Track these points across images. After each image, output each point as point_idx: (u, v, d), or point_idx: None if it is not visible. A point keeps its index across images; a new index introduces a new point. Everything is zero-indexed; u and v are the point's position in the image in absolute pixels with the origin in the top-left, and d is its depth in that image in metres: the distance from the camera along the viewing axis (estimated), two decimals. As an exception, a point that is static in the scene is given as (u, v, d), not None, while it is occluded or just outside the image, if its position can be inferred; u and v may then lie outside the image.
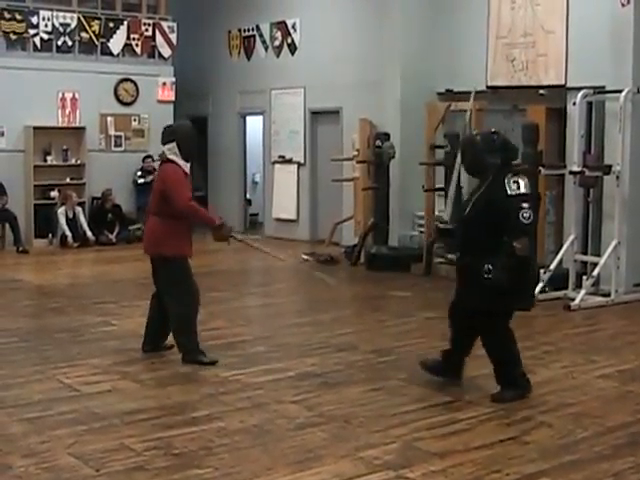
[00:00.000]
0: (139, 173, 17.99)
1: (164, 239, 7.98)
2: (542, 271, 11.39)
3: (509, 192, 6.68)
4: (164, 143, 8.17)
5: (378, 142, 14.22)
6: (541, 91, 12.79)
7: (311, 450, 5.86)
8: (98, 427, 6.33)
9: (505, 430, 6.31)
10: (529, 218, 6.63)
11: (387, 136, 14.23)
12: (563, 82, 12.63)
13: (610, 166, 11.35)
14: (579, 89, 11.98)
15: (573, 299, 11.01)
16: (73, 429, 6.27)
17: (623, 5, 11.35)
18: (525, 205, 6.64)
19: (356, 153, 15.28)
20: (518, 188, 6.68)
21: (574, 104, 11.95)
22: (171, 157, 8.00)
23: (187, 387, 7.36)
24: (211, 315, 9.78)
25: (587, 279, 11.32)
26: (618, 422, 6.51)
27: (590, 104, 12.11)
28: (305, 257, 15.22)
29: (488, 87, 13.69)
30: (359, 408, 6.81)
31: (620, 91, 11.37)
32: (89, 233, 17.01)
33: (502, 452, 5.88)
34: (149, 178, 17.64)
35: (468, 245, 6.99)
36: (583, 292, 11.07)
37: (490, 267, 6.63)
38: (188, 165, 8.08)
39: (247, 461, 5.67)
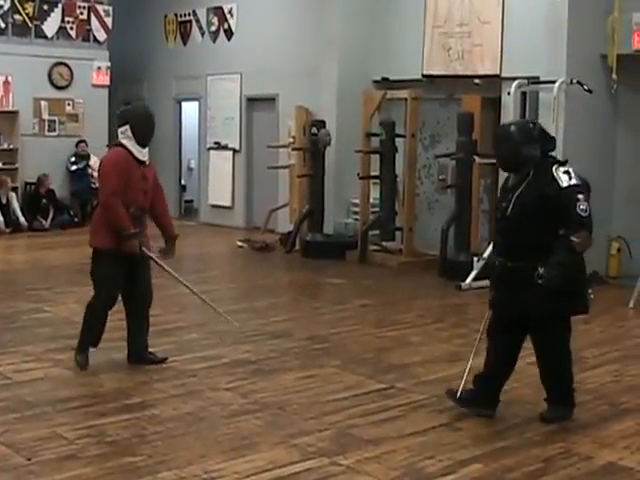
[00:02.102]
0: (73, 159, 17.80)
1: (96, 229, 7.54)
2: (475, 259, 11.48)
3: (563, 184, 6.02)
4: (118, 126, 7.58)
5: (314, 129, 14.24)
6: (476, 80, 12.89)
7: (245, 437, 5.86)
8: (30, 415, 6.27)
9: (437, 417, 6.36)
10: (586, 210, 5.98)
11: (323, 123, 14.24)
12: (498, 72, 12.75)
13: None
14: (514, 79, 12.12)
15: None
16: (4, 417, 6.19)
17: (558, -4, 11.47)
18: (580, 197, 5.99)
19: (292, 140, 15.26)
20: (570, 179, 6.04)
21: (508, 94, 12.08)
22: (124, 141, 7.39)
23: (120, 375, 7.31)
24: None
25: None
26: (549, 408, 6.59)
27: (524, 94, 12.25)
28: (240, 244, 15.20)
29: (424, 76, 13.76)
30: (293, 395, 6.82)
31: (554, 82, 11.51)
32: (22, 219, 16.79)
33: (435, 439, 5.93)
34: (82, 164, 17.49)
35: (513, 247, 6.21)
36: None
37: (542, 270, 5.97)
38: (145, 151, 7.44)
39: (181, 448, 5.65)
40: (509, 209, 6.24)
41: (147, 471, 5.28)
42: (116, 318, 7.70)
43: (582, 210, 5.97)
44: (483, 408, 6.40)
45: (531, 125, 6.41)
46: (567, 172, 6.07)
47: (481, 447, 5.80)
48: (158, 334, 8.57)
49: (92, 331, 7.49)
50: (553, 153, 6.35)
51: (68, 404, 6.52)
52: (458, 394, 6.42)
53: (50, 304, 10.12)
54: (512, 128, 6.34)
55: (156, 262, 7.64)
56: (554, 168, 6.10)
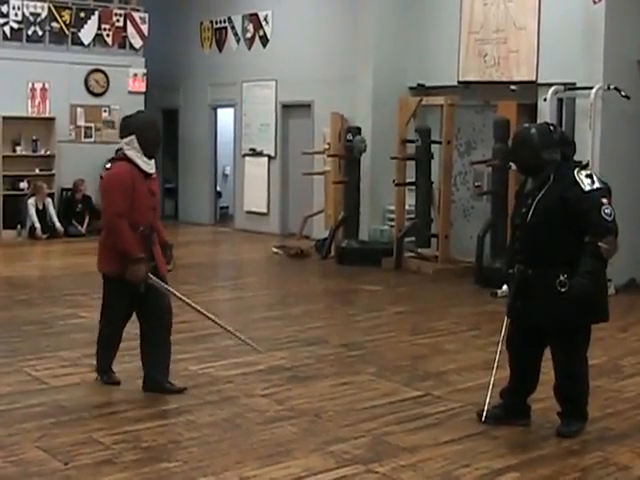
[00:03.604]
0: (109, 165, 17.83)
1: (101, 252, 7.09)
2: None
3: (586, 188, 5.88)
4: (122, 136, 7.06)
5: (349, 136, 14.24)
6: (512, 87, 12.83)
7: (281, 444, 5.86)
8: (66, 420, 6.30)
9: (474, 425, 6.31)
10: (611, 214, 5.83)
11: (358, 130, 14.24)
12: (534, 78, 12.69)
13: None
14: (550, 85, 12.06)
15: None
16: (41, 422, 6.22)
17: (595, 2, 11.39)
18: (605, 201, 5.86)
19: (327, 147, 15.29)
20: (593, 183, 5.90)
21: (545, 100, 12.02)
22: (129, 153, 6.88)
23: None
24: (181, 308, 9.71)
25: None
26: (586, 417, 6.54)
27: (561, 100, 12.19)
28: (275, 250, 15.21)
29: (460, 82, 13.72)
30: (329, 402, 6.81)
31: (591, 88, 11.45)
32: (58, 224, 16.92)
33: (471, 447, 5.90)
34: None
35: (534, 254, 6.06)
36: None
37: (565, 278, 5.87)
38: (152, 163, 6.97)
39: (216, 455, 5.65)
40: (529, 214, 6.09)
41: (183, 477, 5.30)
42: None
43: (607, 215, 5.83)
44: (518, 419, 6.34)
45: (551, 128, 6.28)
46: (589, 176, 5.96)
47: (517, 456, 5.75)
48: (193, 340, 8.63)
49: (102, 358, 7.23)
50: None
51: (104, 409, 6.56)
52: (484, 415, 6.29)
53: (86, 310, 10.15)
54: (532, 131, 6.19)
55: (169, 291, 7.07)
56: (575, 172, 5.99)
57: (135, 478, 5.27)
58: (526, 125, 6.68)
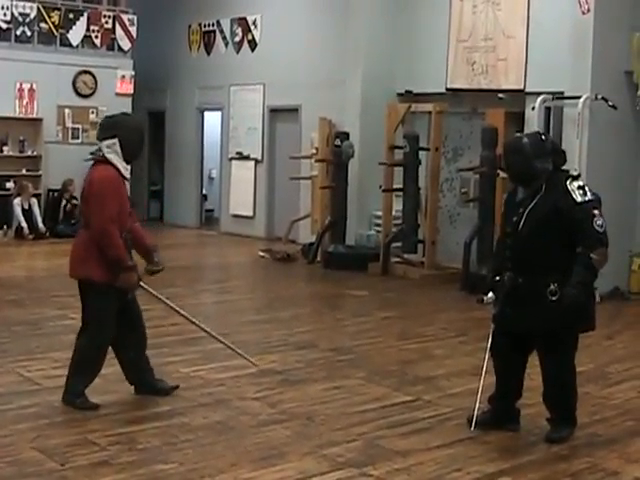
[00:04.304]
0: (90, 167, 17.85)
1: (93, 259, 6.56)
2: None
3: (578, 199, 5.97)
4: (102, 138, 6.68)
5: (337, 141, 14.30)
6: (500, 95, 12.92)
7: (275, 447, 5.91)
8: (60, 421, 6.34)
9: (464, 430, 6.37)
10: (602, 226, 5.94)
11: (346, 135, 14.31)
12: (522, 87, 12.79)
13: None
14: (538, 94, 12.17)
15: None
16: (36, 423, 6.25)
17: (584, 13, 11.51)
18: (596, 212, 5.96)
19: (315, 151, 15.35)
20: (585, 194, 5.98)
21: (533, 108, 12.12)
22: (110, 156, 6.57)
23: (148, 382, 7.34)
24: (170, 311, 9.78)
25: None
26: (575, 423, 6.62)
27: (549, 109, 12.29)
28: (262, 254, 15.27)
29: (448, 89, 13.82)
30: (320, 406, 6.87)
31: (579, 97, 11.56)
32: (41, 225, 16.92)
33: (462, 451, 5.97)
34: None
35: (525, 262, 6.11)
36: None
37: (556, 287, 5.96)
38: (129, 168, 6.73)
39: (211, 457, 5.71)
40: (521, 223, 6.15)
41: (179, 479, 5.34)
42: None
43: (599, 226, 5.94)
44: (507, 424, 6.42)
45: (543, 138, 6.36)
46: (581, 187, 6.02)
47: (508, 460, 5.83)
48: (183, 343, 8.67)
49: (93, 373, 6.76)
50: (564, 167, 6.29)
51: (97, 411, 6.57)
52: (473, 423, 6.33)
53: (75, 311, 9.99)
54: (524, 141, 6.25)
55: (159, 298, 7.04)
56: (567, 182, 6.05)
57: (131, 479, 5.31)
58: (518, 134, 6.76)
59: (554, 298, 5.98)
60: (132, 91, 18.55)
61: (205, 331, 7.50)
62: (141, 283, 6.76)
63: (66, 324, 9.51)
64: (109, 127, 6.72)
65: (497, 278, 6.35)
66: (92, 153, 6.79)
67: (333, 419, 6.55)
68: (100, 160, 6.64)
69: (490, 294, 6.48)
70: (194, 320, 7.39)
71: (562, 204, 6.01)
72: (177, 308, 7.26)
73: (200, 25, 19.24)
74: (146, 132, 18.66)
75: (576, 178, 6.16)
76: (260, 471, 5.47)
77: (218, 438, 6.07)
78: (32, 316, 9.94)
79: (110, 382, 7.33)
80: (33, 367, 7.76)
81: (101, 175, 6.58)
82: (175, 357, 8.14)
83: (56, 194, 17.42)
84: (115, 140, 6.58)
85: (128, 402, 6.86)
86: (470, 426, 6.34)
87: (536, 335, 6.20)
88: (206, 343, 8.79)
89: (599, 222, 5.94)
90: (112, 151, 6.59)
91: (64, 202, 17.25)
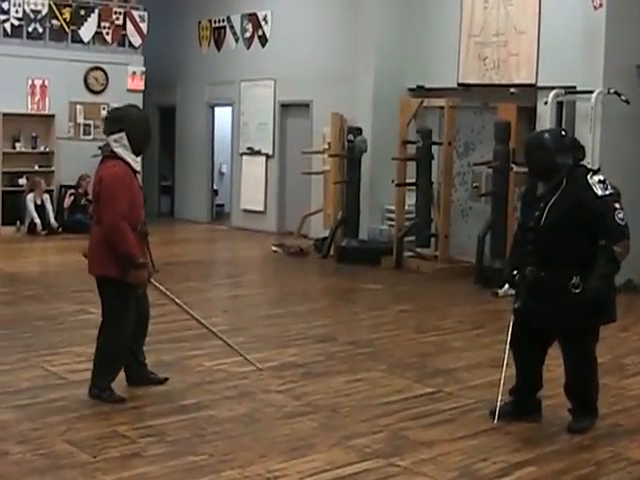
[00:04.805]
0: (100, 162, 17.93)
1: (107, 255, 6.59)
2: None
3: (599, 193, 6.05)
4: (110, 132, 6.67)
5: (350, 136, 14.37)
6: (512, 90, 12.99)
7: (302, 438, 6.00)
8: (89, 414, 6.42)
9: (487, 421, 6.45)
10: (623, 219, 6.04)
11: (359, 130, 14.38)
12: (534, 81, 12.85)
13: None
14: (550, 89, 12.23)
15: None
16: (65, 416, 6.33)
17: (596, 8, 11.56)
18: (618, 206, 6.06)
19: (327, 146, 15.41)
20: (606, 189, 6.07)
21: (545, 103, 12.18)
22: (118, 151, 6.59)
23: (172, 376, 7.36)
24: (186, 305, 9.87)
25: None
26: (595, 414, 6.70)
27: (561, 104, 12.34)
28: (275, 248, 15.34)
29: (459, 84, 13.88)
30: (344, 398, 6.96)
31: (591, 92, 11.62)
32: (53, 221, 17.01)
33: (487, 442, 6.05)
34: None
35: (547, 256, 6.17)
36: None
37: (578, 280, 6.03)
38: (139, 161, 6.79)
39: (240, 449, 5.79)
40: (543, 218, 6.21)
41: (210, 470, 5.42)
42: (162, 320, 7.80)
43: (620, 219, 6.04)
44: (529, 415, 6.50)
45: (563, 133, 6.47)
46: (602, 181, 6.10)
47: (533, 450, 5.91)
48: (203, 338, 8.65)
49: (116, 369, 6.85)
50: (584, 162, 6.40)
51: (124, 404, 6.65)
52: (496, 415, 6.40)
53: (94, 306, 10.06)
54: (545, 136, 6.37)
55: (169, 296, 7.11)
56: (588, 176, 6.14)
57: (164, 471, 5.40)
58: (538, 130, 6.84)
59: (577, 291, 6.04)
60: (143, 87, 18.62)
61: (210, 330, 7.56)
62: (151, 280, 6.81)
63: (86, 319, 9.60)
64: (115, 121, 6.73)
65: (515, 272, 6.42)
66: (100, 148, 6.87)
67: (357, 411, 6.63)
68: (109, 155, 6.67)
69: (505, 287, 6.57)
70: (199, 318, 7.45)
71: (583, 198, 6.08)
72: (185, 307, 7.32)
73: (210, 21, 19.30)
74: (156, 128, 19.02)
75: (596, 172, 6.27)
76: (290, 462, 5.55)
77: (245, 430, 6.16)
78: (52, 311, 10.03)
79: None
80: (57, 361, 7.85)
81: (111, 172, 6.59)
82: (197, 351, 8.21)
83: (66, 189, 17.50)
84: (122, 134, 6.59)
85: (153, 395, 6.93)
86: (493, 419, 6.41)
87: (559, 329, 6.27)
88: (226, 337, 8.89)
89: (620, 215, 6.04)
90: (120, 145, 6.61)
91: (73, 197, 17.32)
